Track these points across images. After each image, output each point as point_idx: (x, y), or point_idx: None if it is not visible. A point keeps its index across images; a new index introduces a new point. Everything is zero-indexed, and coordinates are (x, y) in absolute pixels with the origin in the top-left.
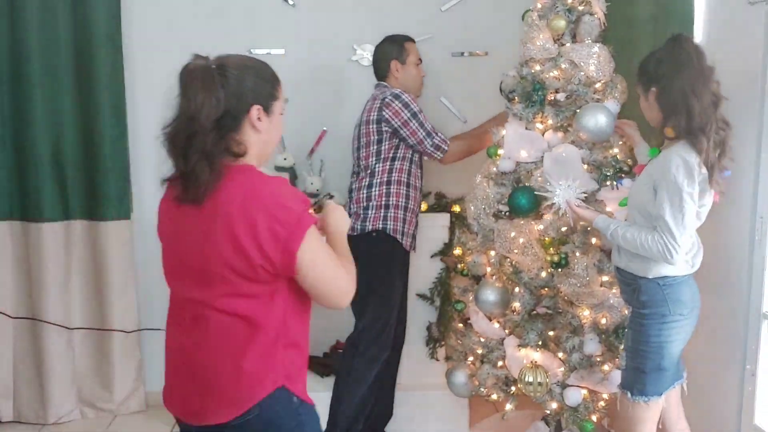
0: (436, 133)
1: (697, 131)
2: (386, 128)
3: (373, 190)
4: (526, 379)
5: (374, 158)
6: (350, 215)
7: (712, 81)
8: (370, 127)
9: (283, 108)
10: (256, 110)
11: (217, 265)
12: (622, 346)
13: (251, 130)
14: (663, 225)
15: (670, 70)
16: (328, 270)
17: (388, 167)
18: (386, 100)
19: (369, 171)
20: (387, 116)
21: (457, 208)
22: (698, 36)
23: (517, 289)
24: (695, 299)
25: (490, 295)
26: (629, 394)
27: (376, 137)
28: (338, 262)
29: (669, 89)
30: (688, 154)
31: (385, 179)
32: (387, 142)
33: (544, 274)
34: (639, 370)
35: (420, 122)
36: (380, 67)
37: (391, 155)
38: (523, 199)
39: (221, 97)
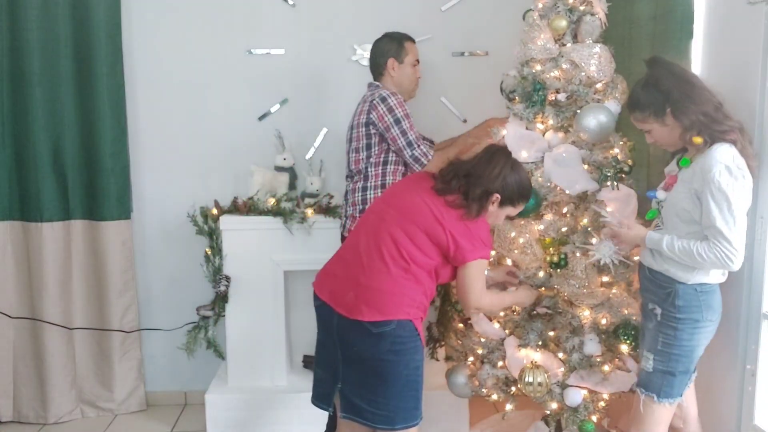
0: (419, 145)
1: (726, 130)
2: (374, 131)
3: (368, 192)
4: (527, 380)
5: (365, 162)
6: (347, 217)
7: (706, 87)
8: (360, 130)
9: (511, 213)
10: (496, 196)
11: (421, 222)
12: (625, 347)
13: (488, 204)
14: (716, 233)
15: (675, 83)
16: (478, 282)
17: (381, 171)
18: (374, 102)
19: (363, 174)
20: (373, 119)
21: None
22: (698, 36)
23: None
24: (721, 305)
25: None
26: (656, 397)
27: (365, 141)
28: (485, 285)
29: (682, 101)
30: (724, 156)
31: (380, 183)
32: (377, 147)
33: (542, 273)
34: (669, 374)
35: (402, 130)
36: (376, 64)
37: (382, 159)
38: None
39: (503, 177)
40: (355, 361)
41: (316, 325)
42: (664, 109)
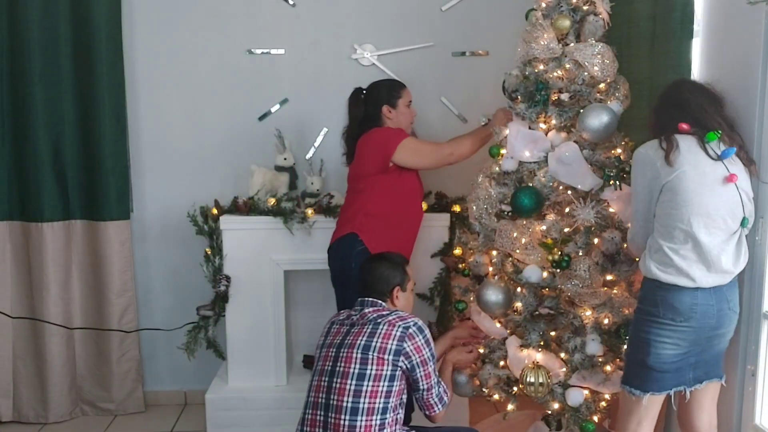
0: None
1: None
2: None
3: None
4: (528, 380)
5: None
6: None
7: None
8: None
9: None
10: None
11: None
12: (625, 346)
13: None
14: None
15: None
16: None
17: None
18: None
19: None
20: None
21: (457, 208)
22: (698, 36)
23: (519, 289)
24: (692, 309)
25: (492, 295)
26: (620, 383)
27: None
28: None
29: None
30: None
31: None
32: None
33: (545, 274)
34: (627, 359)
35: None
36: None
37: None
38: (526, 199)
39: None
40: None
41: None
42: None
